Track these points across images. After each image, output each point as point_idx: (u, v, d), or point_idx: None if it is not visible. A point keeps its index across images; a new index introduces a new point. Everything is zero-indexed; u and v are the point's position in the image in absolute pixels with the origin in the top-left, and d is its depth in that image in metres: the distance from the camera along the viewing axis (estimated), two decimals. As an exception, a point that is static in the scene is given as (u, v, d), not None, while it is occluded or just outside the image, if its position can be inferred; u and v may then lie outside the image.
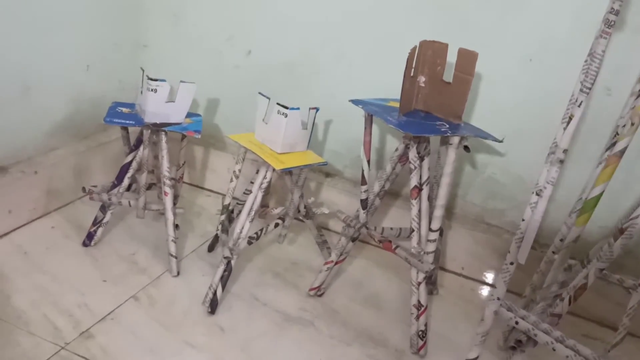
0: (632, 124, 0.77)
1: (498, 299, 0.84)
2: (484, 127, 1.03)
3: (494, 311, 0.84)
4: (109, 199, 1.16)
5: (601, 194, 0.81)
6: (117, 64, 1.40)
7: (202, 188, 1.51)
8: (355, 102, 1.03)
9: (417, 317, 0.99)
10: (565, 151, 0.78)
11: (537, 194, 0.79)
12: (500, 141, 0.98)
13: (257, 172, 1.06)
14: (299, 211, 1.17)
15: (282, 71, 1.33)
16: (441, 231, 1.11)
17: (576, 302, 0.79)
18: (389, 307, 1.13)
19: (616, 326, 0.90)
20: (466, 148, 0.95)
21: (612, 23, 0.75)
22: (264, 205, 1.22)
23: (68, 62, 1.26)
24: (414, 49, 0.94)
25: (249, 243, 1.07)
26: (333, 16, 1.23)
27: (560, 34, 1.05)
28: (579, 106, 0.76)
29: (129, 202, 1.16)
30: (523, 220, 0.81)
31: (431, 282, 1.15)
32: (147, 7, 1.41)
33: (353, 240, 1.10)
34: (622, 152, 0.78)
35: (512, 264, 0.81)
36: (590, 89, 0.76)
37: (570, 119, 0.77)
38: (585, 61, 0.79)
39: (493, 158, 1.22)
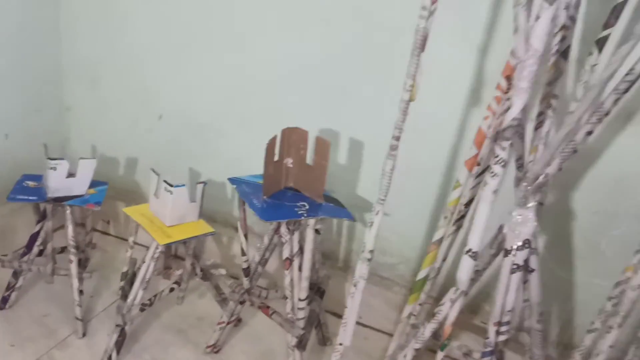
0: (445, 217, 0.85)
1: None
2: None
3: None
4: (20, 266, 1.25)
5: (427, 275, 0.90)
6: (40, 129, 1.48)
7: (125, 240, 1.60)
8: (232, 180, 1.12)
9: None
10: (371, 251, 0.87)
11: (354, 285, 0.87)
12: (354, 220, 1.06)
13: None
14: (195, 274, 1.26)
15: (192, 134, 1.42)
16: (321, 294, 1.19)
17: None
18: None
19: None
20: (317, 231, 1.04)
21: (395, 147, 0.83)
22: (167, 267, 1.31)
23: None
24: (273, 139, 1.03)
25: (142, 310, 1.16)
26: (239, 83, 1.31)
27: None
28: (376, 214, 0.85)
29: (38, 268, 1.25)
30: (346, 307, 0.90)
31: (303, 345, 1.21)
32: (67, 73, 1.49)
33: (241, 303, 1.19)
34: (440, 240, 0.87)
35: (340, 344, 0.90)
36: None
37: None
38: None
39: (382, 218, 1.30)
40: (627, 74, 0.67)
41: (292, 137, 1.07)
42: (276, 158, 1.07)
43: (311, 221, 1.02)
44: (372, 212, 0.87)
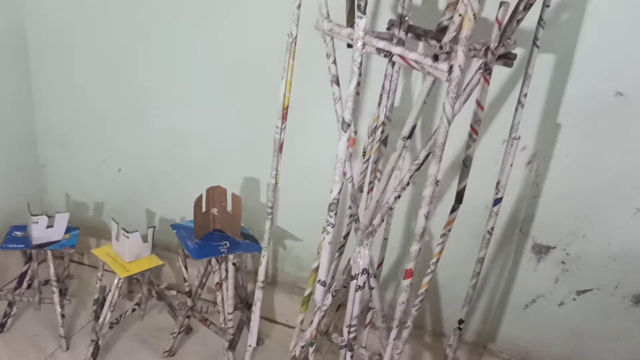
0: (318, 252, 1.23)
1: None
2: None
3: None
4: (13, 298, 1.61)
5: (311, 292, 1.27)
6: (21, 184, 1.83)
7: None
8: (173, 227, 1.49)
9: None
10: (263, 281, 1.24)
11: (254, 305, 1.25)
12: (261, 252, 1.43)
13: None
14: (152, 296, 1.63)
15: (146, 183, 1.78)
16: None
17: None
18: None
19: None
20: (234, 264, 1.41)
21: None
22: (130, 291, 1.67)
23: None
24: (200, 196, 1.40)
25: (111, 327, 1.53)
26: (178, 142, 1.68)
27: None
28: (263, 257, 1.23)
29: (28, 299, 1.61)
30: (252, 319, 1.28)
31: (233, 346, 1.59)
32: (41, 136, 1.84)
33: (187, 317, 1.56)
34: (317, 268, 1.24)
35: (250, 345, 1.28)
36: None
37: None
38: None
39: (296, 243, 1.68)
40: (413, 164, 1.04)
41: (215, 193, 1.45)
42: (204, 209, 1.44)
43: (230, 256, 1.40)
44: (262, 252, 1.24)
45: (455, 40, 0.79)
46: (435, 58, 0.81)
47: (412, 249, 0.92)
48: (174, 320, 1.66)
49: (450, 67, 0.79)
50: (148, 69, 1.62)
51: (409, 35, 1.12)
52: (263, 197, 1.64)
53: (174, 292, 1.66)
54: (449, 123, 0.82)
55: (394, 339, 1.03)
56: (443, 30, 0.89)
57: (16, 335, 1.63)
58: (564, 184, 1.35)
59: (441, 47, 0.80)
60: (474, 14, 0.75)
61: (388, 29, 1.15)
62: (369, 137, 1.22)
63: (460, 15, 0.78)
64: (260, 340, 1.67)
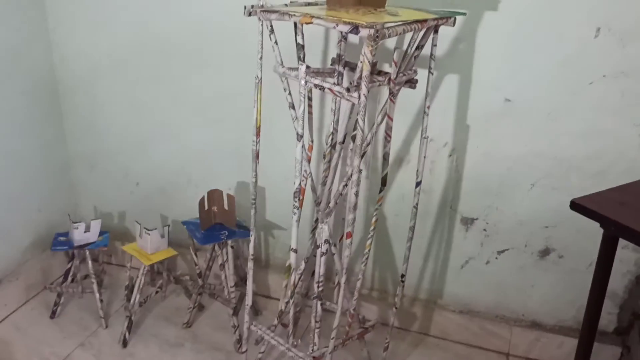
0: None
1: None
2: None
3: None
4: (61, 290, 2.05)
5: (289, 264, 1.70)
6: (58, 200, 2.27)
7: (124, 266, 2.40)
8: (184, 222, 1.93)
9: (235, 331, 1.89)
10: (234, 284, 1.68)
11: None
12: (249, 237, 1.86)
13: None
14: (170, 281, 2.06)
15: (160, 193, 2.22)
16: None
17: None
18: (229, 329, 2.02)
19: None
20: (232, 247, 1.85)
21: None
22: (152, 279, 2.11)
23: (24, 207, 2.14)
24: (203, 198, 1.84)
25: (140, 306, 1.96)
26: (184, 157, 2.12)
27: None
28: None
29: (73, 290, 2.05)
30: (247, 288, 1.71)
31: (236, 313, 2.02)
32: (72, 160, 2.27)
33: (199, 294, 2.00)
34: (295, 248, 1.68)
35: (247, 305, 1.71)
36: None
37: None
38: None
39: (282, 232, 2.12)
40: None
41: (214, 194, 1.89)
42: (206, 207, 1.88)
43: (228, 241, 1.84)
44: (251, 232, 1.67)
45: (361, 77, 1.23)
46: (348, 90, 1.26)
47: (349, 217, 1.36)
48: (189, 300, 2.10)
49: (359, 96, 1.23)
50: (158, 103, 2.06)
51: (346, 68, 1.56)
52: (253, 196, 2.07)
53: (187, 277, 2.09)
54: (362, 131, 1.26)
55: (344, 283, 1.46)
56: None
57: (65, 319, 2.06)
58: (478, 170, 1.78)
59: (351, 83, 1.25)
60: (369, 62, 1.19)
61: (332, 64, 1.59)
62: (326, 144, 1.66)
63: (361, 62, 1.23)
64: (258, 312, 2.10)
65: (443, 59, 1.64)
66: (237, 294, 1.90)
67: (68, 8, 2.01)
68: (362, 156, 1.32)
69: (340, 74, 1.54)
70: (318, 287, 1.56)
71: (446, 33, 1.59)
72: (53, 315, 2.05)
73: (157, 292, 2.03)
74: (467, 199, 1.82)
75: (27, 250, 2.14)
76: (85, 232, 1.98)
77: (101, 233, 2.04)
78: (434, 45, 1.41)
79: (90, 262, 1.97)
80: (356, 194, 1.32)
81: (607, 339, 1.81)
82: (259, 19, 1.35)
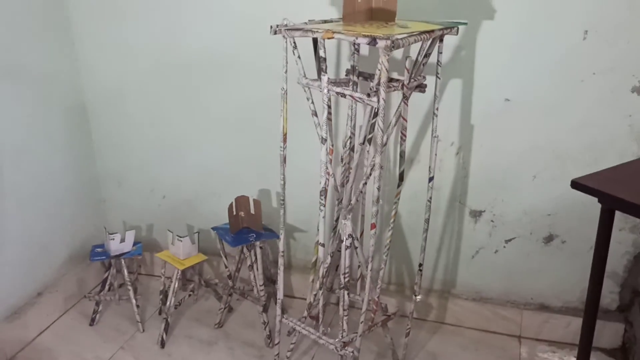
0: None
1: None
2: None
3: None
4: (99, 298, 2.19)
5: (316, 259, 1.85)
6: (90, 215, 2.42)
7: (154, 275, 2.54)
8: (214, 228, 2.08)
9: (265, 327, 2.03)
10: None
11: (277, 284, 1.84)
12: (279, 239, 2.01)
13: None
14: (201, 284, 2.21)
15: (185, 205, 2.38)
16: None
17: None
18: (259, 326, 2.16)
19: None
20: (260, 247, 2.00)
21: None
22: (184, 283, 2.26)
23: (59, 223, 2.29)
24: (231, 204, 2.00)
25: (175, 308, 2.11)
26: (208, 170, 2.28)
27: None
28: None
29: (110, 298, 2.20)
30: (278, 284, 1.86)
31: (266, 309, 2.17)
32: (101, 177, 2.43)
33: (229, 295, 2.14)
34: (322, 242, 1.83)
35: (279, 298, 1.86)
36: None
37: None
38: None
39: (302, 234, 2.27)
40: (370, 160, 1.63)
41: (241, 200, 2.04)
42: (234, 213, 2.04)
43: (257, 243, 1.99)
44: (280, 231, 1.82)
45: (379, 83, 1.39)
46: (368, 95, 1.42)
47: (372, 209, 1.51)
48: (219, 302, 2.24)
49: (378, 100, 1.39)
50: (181, 118, 2.22)
51: (360, 78, 1.73)
52: (274, 203, 2.23)
53: (216, 281, 2.24)
54: (382, 131, 1.42)
55: (369, 270, 1.61)
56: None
57: (103, 326, 2.20)
58: (483, 165, 1.94)
59: (371, 89, 1.41)
60: (387, 69, 1.35)
61: (346, 75, 1.76)
62: (343, 148, 1.81)
63: (379, 70, 1.39)
64: (284, 310, 2.24)
65: (447, 65, 1.81)
66: (265, 293, 2.04)
67: (93, 33, 2.17)
68: (381, 154, 1.47)
69: (355, 83, 1.71)
70: (344, 277, 1.70)
71: (450, 42, 1.76)
72: (92, 322, 2.19)
73: (189, 295, 2.18)
74: (474, 193, 1.98)
75: (64, 264, 2.29)
76: (120, 242, 2.13)
77: (134, 243, 2.19)
78: (439, 52, 1.58)
79: (126, 270, 2.12)
80: (378, 188, 1.48)
81: (611, 317, 1.96)
82: (284, 36, 1.51)
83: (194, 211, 2.35)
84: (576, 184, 1.20)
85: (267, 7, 1.88)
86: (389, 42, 1.28)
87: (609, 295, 1.94)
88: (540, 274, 2.00)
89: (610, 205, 1.20)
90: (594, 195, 1.17)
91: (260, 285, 2.00)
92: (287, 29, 1.49)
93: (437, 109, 1.64)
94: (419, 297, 1.82)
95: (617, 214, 1.81)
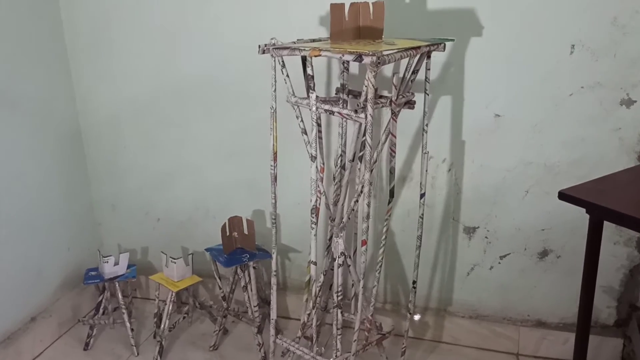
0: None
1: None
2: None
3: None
4: (93, 322, 2.18)
5: (309, 278, 1.85)
6: (84, 239, 2.42)
7: (149, 299, 2.53)
8: (207, 249, 2.08)
9: (260, 349, 2.02)
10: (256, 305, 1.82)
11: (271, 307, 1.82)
12: (271, 259, 2.00)
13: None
14: (196, 307, 2.20)
15: (180, 228, 2.37)
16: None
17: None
18: (254, 348, 2.14)
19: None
20: (254, 267, 1.99)
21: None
22: (179, 306, 2.25)
23: (54, 248, 2.29)
24: (224, 225, 1.99)
25: (169, 330, 2.09)
26: (201, 195, 2.28)
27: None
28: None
29: (105, 321, 2.18)
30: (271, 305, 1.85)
31: (260, 331, 2.15)
32: (96, 202, 2.43)
33: (224, 317, 2.13)
34: (314, 261, 1.82)
35: (272, 319, 1.85)
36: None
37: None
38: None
39: (297, 254, 2.26)
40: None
41: (234, 221, 2.04)
42: (227, 233, 2.03)
43: (250, 263, 1.98)
44: (272, 251, 1.82)
45: (366, 99, 1.40)
46: (356, 111, 1.43)
47: (362, 226, 1.51)
48: (214, 324, 2.23)
49: (365, 116, 1.40)
50: (174, 143, 2.23)
51: (350, 95, 1.74)
52: (268, 223, 2.23)
53: (211, 303, 2.22)
54: (371, 147, 1.42)
55: (362, 287, 1.60)
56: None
57: (98, 350, 2.18)
58: (475, 181, 1.94)
59: (358, 105, 1.42)
60: (373, 86, 1.36)
61: (336, 93, 1.77)
62: (335, 166, 1.82)
63: (366, 86, 1.40)
64: (279, 331, 2.22)
65: (437, 82, 1.82)
66: (260, 314, 2.03)
67: (89, 62, 2.20)
68: (371, 171, 1.47)
69: (345, 101, 1.72)
70: (337, 295, 1.69)
71: (439, 59, 1.77)
72: (87, 347, 2.17)
73: (184, 317, 2.16)
74: (468, 209, 1.97)
75: (58, 289, 2.28)
76: (114, 265, 2.12)
77: (129, 266, 2.18)
78: (427, 69, 1.59)
79: (120, 293, 2.11)
80: (368, 205, 1.48)
81: (609, 332, 1.94)
82: (272, 55, 1.52)
83: (189, 233, 2.35)
84: (563, 195, 1.20)
85: (257, 34, 1.90)
86: (374, 58, 1.30)
87: (606, 310, 1.93)
88: (535, 289, 1.99)
89: (597, 216, 1.20)
90: (581, 205, 1.17)
91: (254, 306, 1.99)
92: (275, 48, 1.50)
93: (426, 125, 1.65)
94: (416, 317, 1.81)
95: (612, 227, 1.83)
